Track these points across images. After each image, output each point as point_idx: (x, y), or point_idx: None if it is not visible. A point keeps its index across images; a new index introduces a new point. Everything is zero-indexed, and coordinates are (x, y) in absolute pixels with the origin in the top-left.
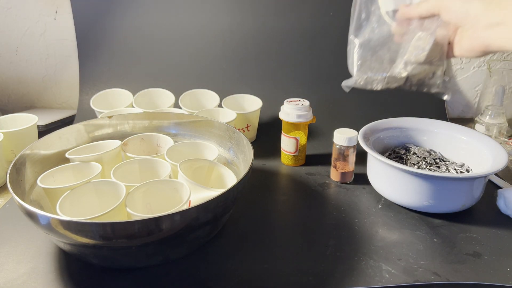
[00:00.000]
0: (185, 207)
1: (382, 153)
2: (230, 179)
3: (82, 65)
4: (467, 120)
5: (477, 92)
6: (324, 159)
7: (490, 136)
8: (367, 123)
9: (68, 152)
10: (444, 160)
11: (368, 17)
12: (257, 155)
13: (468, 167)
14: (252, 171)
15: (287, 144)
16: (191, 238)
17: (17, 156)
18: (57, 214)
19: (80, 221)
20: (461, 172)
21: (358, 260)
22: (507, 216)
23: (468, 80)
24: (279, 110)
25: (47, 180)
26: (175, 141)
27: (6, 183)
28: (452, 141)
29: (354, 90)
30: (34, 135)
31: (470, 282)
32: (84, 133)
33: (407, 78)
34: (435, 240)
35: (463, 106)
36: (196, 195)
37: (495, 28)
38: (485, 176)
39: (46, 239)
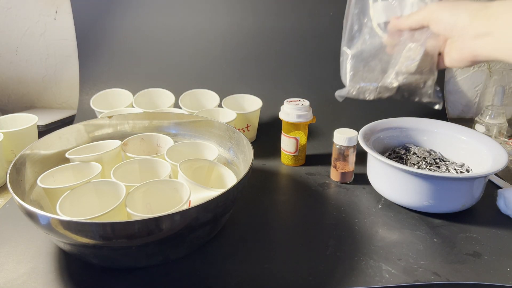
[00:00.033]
0: (185, 207)
1: (382, 153)
2: (230, 179)
3: (82, 65)
4: (467, 120)
5: (477, 92)
6: (324, 159)
7: (490, 136)
8: (367, 123)
9: (68, 152)
10: (444, 160)
11: (360, 29)
12: (257, 155)
13: (468, 167)
14: (252, 171)
15: (287, 144)
16: (191, 238)
17: (17, 156)
18: (57, 214)
19: (80, 221)
20: (461, 172)
21: (358, 260)
22: (507, 216)
23: (468, 80)
24: (279, 110)
25: (47, 180)
26: (175, 141)
27: (6, 183)
28: (452, 141)
29: None
30: (34, 135)
31: (470, 282)
32: (84, 133)
33: (399, 88)
34: (435, 240)
35: (463, 106)
36: (196, 195)
37: (482, 38)
38: (485, 176)
39: (46, 239)
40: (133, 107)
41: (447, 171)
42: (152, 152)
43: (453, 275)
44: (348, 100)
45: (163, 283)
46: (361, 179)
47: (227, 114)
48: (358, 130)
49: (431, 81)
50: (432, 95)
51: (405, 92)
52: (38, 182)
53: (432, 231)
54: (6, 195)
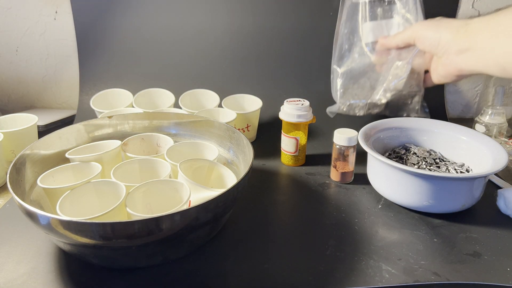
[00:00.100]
0: (185, 207)
1: (382, 153)
2: (230, 179)
3: (82, 65)
4: (467, 120)
5: (477, 92)
6: (324, 159)
7: (490, 136)
8: (367, 123)
9: (68, 152)
10: (444, 160)
11: (350, 48)
12: (257, 155)
13: (468, 167)
14: (252, 171)
15: (287, 144)
16: (191, 238)
17: (17, 156)
18: (57, 214)
19: (80, 221)
20: (461, 172)
21: (358, 260)
22: (507, 216)
23: (468, 80)
24: (279, 110)
25: (47, 180)
26: (175, 141)
27: (6, 183)
28: (452, 141)
29: None
30: (34, 135)
31: (470, 282)
32: (84, 133)
33: (387, 104)
34: (435, 240)
35: (463, 106)
36: (196, 195)
37: (464, 53)
38: (485, 176)
39: (46, 239)
40: (133, 107)
41: (447, 171)
42: (152, 152)
43: (453, 275)
44: None
45: (163, 283)
46: (361, 179)
47: (227, 114)
48: (358, 130)
49: (418, 97)
50: (419, 111)
51: (393, 108)
52: (38, 182)
53: (432, 231)
54: (6, 195)
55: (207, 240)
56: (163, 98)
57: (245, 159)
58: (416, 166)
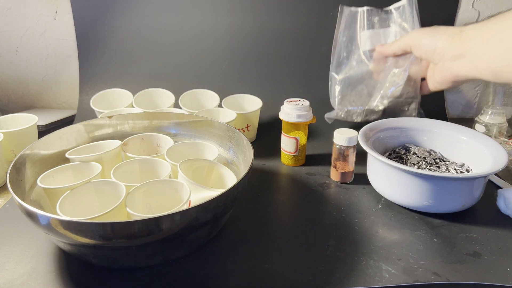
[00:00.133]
0: (185, 207)
1: (382, 153)
2: (230, 179)
3: (82, 65)
4: (467, 120)
5: (477, 92)
6: (324, 159)
7: (490, 136)
8: (367, 123)
9: (68, 152)
10: (444, 160)
11: (348, 56)
12: (257, 155)
13: (468, 167)
14: (252, 171)
15: (287, 144)
16: (191, 238)
17: (17, 156)
18: (57, 214)
19: (80, 221)
20: (461, 172)
21: (358, 260)
22: (507, 216)
23: None
24: (279, 110)
25: (47, 180)
26: (175, 141)
27: (6, 183)
28: (452, 141)
29: None
30: (34, 135)
31: (470, 282)
32: (84, 133)
33: (384, 110)
34: (435, 240)
35: (463, 106)
36: (196, 195)
37: (459, 59)
38: (485, 176)
39: (46, 239)
40: (133, 107)
41: (447, 171)
42: (152, 152)
43: (453, 275)
44: None
45: (163, 283)
46: (361, 179)
47: (227, 114)
48: (358, 130)
49: (414, 104)
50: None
51: (391, 114)
52: (38, 182)
53: (432, 231)
54: (6, 195)
55: (207, 240)
56: (163, 98)
57: (245, 159)
58: (416, 166)
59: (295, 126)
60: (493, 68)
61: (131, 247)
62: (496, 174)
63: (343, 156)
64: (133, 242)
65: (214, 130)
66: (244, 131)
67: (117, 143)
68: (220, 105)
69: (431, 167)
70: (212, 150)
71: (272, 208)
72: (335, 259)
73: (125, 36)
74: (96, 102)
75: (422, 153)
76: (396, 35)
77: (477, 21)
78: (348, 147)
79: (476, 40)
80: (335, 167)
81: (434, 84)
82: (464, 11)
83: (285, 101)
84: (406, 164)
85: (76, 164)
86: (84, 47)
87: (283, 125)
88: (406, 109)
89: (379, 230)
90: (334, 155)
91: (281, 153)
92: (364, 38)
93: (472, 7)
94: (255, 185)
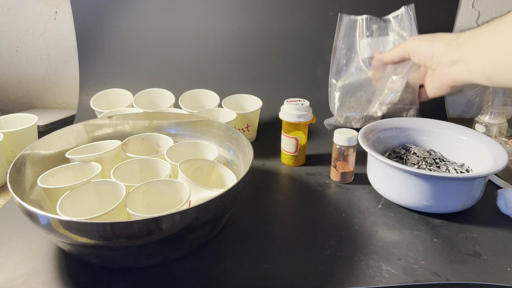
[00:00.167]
0: (185, 207)
1: (382, 153)
2: (230, 179)
3: (82, 65)
4: (467, 120)
5: (477, 92)
6: (324, 159)
7: (490, 136)
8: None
9: (68, 152)
10: (444, 160)
11: (347, 63)
12: (257, 155)
13: (468, 167)
14: (252, 171)
15: (287, 144)
16: (191, 238)
17: (17, 156)
18: (57, 214)
19: (80, 221)
20: (461, 172)
21: (358, 260)
22: (507, 216)
23: None
24: (279, 110)
25: (47, 180)
26: (175, 141)
27: (6, 183)
28: (452, 141)
29: None
30: (34, 135)
31: (470, 282)
32: (84, 133)
33: (383, 117)
34: (435, 240)
35: (463, 106)
36: (196, 195)
37: (456, 64)
38: (485, 176)
39: (46, 239)
40: (133, 107)
41: (447, 171)
42: (152, 152)
43: (453, 275)
44: None
45: (163, 283)
46: (361, 179)
47: (227, 114)
48: (358, 130)
49: (413, 110)
50: None
51: None
52: (38, 182)
53: (432, 231)
54: (6, 195)
55: (207, 240)
56: (163, 98)
57: (245, 159)
58: (416, 166)
59: (295, 126)
60: (487, 72)
61: (131, 247)
62: (496, 174)
63: (343, 156)
64: (133, 242)
65: (214, 130)
66: (244, 131)
67: (117, 143)
68: (220, 105)
69: (431, 167)
70: (212, 150)
71: (272, 208)
72: (335, 259)
73: (125, 36)
74: (96, 102)
75: (422, 153)
76: (395, 43)
77: (476, 22)
78: (348, 147)
79: (471, 46)
80: (335, 167)
81: (432, 90)
82: (464, 11)
83: (285, 101)
84: (406, 164)
85: (76, 164)
86: (84, 47)
87: (283, 125)
88: (405, 115)
89: (379, 230)
90: (334, 155)
91: (281, 153)
92: (363, 45)
93: (472, 7)
94: (255, 185)
